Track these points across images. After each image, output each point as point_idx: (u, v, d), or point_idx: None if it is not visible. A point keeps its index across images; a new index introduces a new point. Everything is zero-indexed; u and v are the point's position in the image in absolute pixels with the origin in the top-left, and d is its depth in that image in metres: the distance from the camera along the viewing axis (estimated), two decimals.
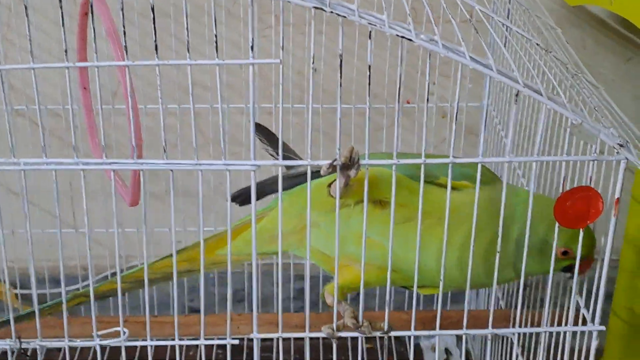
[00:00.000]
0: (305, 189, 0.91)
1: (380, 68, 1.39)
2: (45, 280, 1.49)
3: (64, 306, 0.87)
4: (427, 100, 0.75)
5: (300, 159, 0.98)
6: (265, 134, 1.01)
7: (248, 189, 0.81)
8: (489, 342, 0.88)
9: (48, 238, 1.42)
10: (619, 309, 1.44)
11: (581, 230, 0.83)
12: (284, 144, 0.86)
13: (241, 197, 0.94)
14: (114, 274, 1.00)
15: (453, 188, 0.83)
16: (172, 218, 0.80)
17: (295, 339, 1.47)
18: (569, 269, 0.89)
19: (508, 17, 1.14)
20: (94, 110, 0.97)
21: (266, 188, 0.94)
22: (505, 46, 1.13)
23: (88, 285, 0.88)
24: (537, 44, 0.89)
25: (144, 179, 1.40)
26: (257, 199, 0.92)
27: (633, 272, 1.42)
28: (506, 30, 0.89)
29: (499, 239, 0.82)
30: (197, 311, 1.44)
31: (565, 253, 0.89)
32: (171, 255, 0.98)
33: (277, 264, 0.86)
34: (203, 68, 1.35)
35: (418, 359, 1.52)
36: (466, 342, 1.51)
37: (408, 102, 1.43)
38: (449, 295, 1.49)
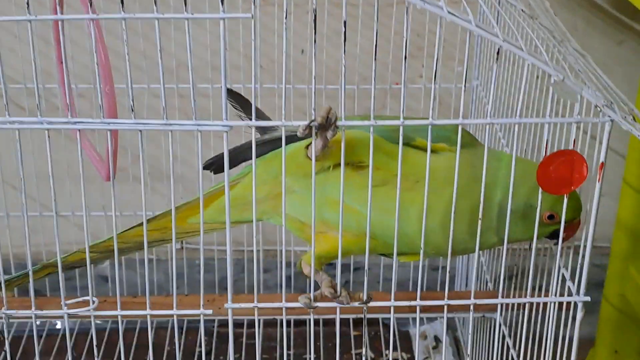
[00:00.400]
0: (280, 154, 0.89)
1: (368, 49, 1.37)
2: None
3: (31, 277, 0.84)
4: (405, 56, 0.72)
5: None
6: (238, 100, 0.98)
7: (222, 156, 0.78)
8: (471, 315, 0.85)
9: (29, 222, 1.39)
10: (611, 295, 1.42)
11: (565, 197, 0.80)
12: (257, 109, 0.84)
13: (215, 165, 0.92)
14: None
15: (431, 151, 0.81)
16: (142, 179, 0.77)
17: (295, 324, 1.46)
18: (555, 234, 0.86)
19: None
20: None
21: (239, 155, 0.91)
22: (490, 11, 1.11)
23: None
24: (523, 10, 0.87)
25: (128, 161, 1.40)
26: (232, 166, 0.89)
27: (625, 258, 1.39)
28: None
29: (481, 204, 0.79)
30: None
31: (551, 217, 0.86)
32: (142, 224, 0.96)
33: (256, 250, 0.83)
34: (183, 45, 1.33)
35: (407, 346, 1.49)
36: (456, 330, 1.50)
37: (396, 84, 1.40)
38: (438, 279, 1.46)
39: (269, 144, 0.91)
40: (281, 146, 0.77)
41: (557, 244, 0.85)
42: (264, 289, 1.52)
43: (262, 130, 0.95)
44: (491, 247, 0.91)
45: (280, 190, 0.86)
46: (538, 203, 0.81)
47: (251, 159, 0.81)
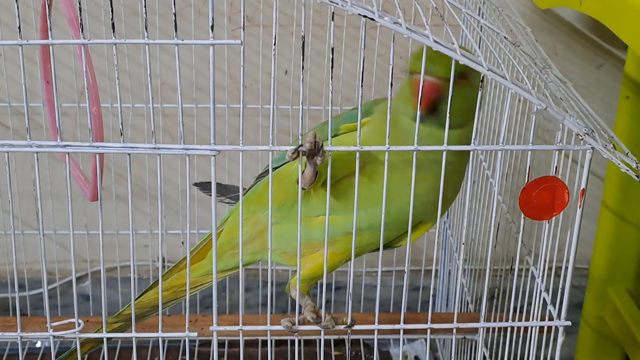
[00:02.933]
0: (256, 191, 0.91)
1: (351, 71, 1.38)
2: (8, 285, 1.46)
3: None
4: (391, 85, 0.73)
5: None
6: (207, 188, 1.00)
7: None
8: (453, 338, 0.86)
9: (10, 241, 1.39)
10: (589, 317, 1.43)
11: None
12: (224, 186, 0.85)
13: (204, 184, 0.93)
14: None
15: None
16: (130, 201, 0.78)
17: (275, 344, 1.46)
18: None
19: (479, 14, 1.13)
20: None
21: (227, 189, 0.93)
22: (474, 39, 1.12)
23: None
24: (505, 37, 0.89)
25: (112, 180, 1.40)
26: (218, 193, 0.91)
27: (603, 280, 1.41)
28: (477, 25, 0.88)
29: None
30: None
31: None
32: (151, 287, 0.99)
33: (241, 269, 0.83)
34: (171, 67, 1.34)
35: None
36: (436, 351, 1.51)
37: None
38: (419, 299, 1.47)
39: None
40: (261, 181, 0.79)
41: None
42: (245, 308, 1.52)
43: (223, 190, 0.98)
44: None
45: (262, 227, 0.88)
46: None
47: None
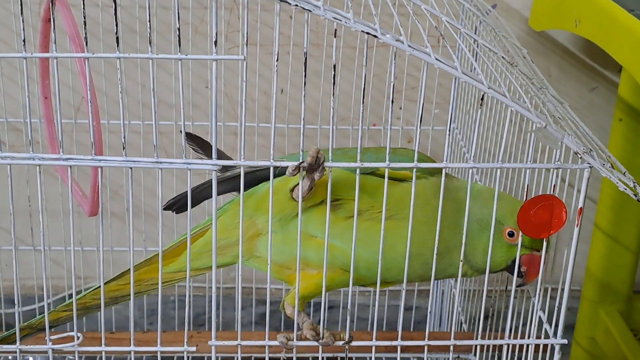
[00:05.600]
0: (252, 195, 0.90)
1: (346, 90, 1.39)
2: (1, 300, 1.46)
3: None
4: (392, 101, 0.74)
5: None
6: (198, 143, 0.99)
7: (183, 195, 0.79)
8: (450, 356, 0.86)
9: (5, 256, 1.39)
10: (581, 338, 1.44)
11: None
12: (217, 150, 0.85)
13: (177, 204, 0.93)
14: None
15: (396, 179, 0.84)
16: (130, 217, 0.78)
17: None
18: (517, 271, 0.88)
19: (476, 34, 1.15)
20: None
21: (200, 194, 0.91)
22: (473, 57, 1.13)
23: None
24: (503, 57, 0.90)
25: (107, 197, 1.40)
26: (193, 205, 0.90)
27: (595, 302, 1.42)
28: (474, 42, 0.89)
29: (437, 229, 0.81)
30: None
31: (511, 234, 0.86)
32: (122, 275, 0.98)
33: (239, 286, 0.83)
34: (168, 85, 1.35)
35: None
36: None
37: (374, 125, 1.42)
38: (412, 319, 1.48)
39: (229, 182, 0.91)
40: (247, 185, 0.79)
41: (520, 285, 0.87)
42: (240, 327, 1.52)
43: (222, 168, 0.96)
44: (465, 276, 0.91)
45: (255, 232, 0.88)
46: (493, 211, 0.82)
47: (210, 197, 0.81)
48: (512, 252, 0.87)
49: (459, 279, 0.84)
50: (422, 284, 1.47)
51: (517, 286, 0.86)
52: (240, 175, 0.78)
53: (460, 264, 0.83)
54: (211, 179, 0.78)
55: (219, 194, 0.88)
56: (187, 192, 0.80)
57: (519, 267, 0.87)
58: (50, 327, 0.91)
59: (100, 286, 0.83)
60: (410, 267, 0.83)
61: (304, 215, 0.85)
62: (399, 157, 0.86)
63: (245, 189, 0.79)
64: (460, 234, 0.82)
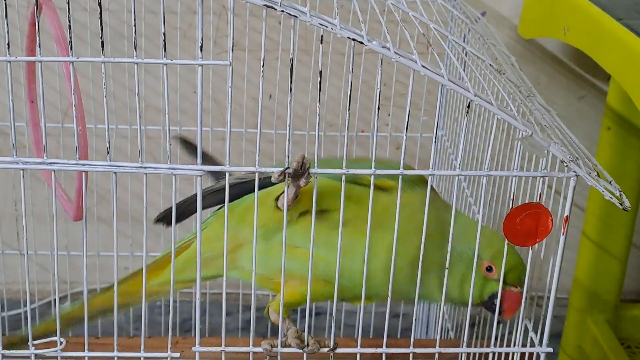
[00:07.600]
0: (236, 207, 0.90)
1: (335, 97, 1.39)
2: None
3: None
4: (378, 108, 0.74)
5: None
6: (189, 149, 0.99)
7: (171, 209, 0.79)
8: None
9: None
10: (568, 347, 1.44)
11: (505, 245, 0.82)
12: (208, 155, 0.84)
13: (167, 219, 0.92)
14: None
15: (380, 188, 0.84)
16: (115, 222, 0.77)
17: None
18: (493, 304, 0.87)
19: (464, 41, 1.15)
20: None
21: (189, 207, 0.91)
22: (460, 65, 1.13)
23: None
24: (491, 65, 0.90)
25: (93, 201, 1.40)
26: (182, 219, 0.90)
27: (582, 310, 1.42)
28: (462, 50, 0.89)
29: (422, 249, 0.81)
30: None
31: (489, 269, 0.87)
32: (106, 290, 0.98)
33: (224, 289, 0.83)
34: (156, 90, 1.34)
35: None
36: None
37: (363, 132, 1.42)
38: (399, 327, 1.47)
39: (217, 194, 0.91)
40: (233, 198, 0.78)
41: (498, 322, 0.86)
42: (225, 332, 1.51)
43: (216, 176, 0.95)
44: (434, 300, 0.91)
45: (237, 243, 0.87)
46: (476, 246, 0.82)
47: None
48: (489, 287, 0.87)
49: (443, 291, 0.84)
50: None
51: (497, 322, 0.87)
52: (223, 187, 0.77)
53: (444, 286, 0.83)
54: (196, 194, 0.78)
55: (207, 206, 0.88)
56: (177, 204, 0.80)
57: (499, 303, 0.87)
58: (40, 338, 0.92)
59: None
60: (389, 281, 0.83)
61: (288, 228, 0.84)
62: (384, 166, 0.86)
63: (230, 202, 0.78)
64: (439, 257, 0.83)
